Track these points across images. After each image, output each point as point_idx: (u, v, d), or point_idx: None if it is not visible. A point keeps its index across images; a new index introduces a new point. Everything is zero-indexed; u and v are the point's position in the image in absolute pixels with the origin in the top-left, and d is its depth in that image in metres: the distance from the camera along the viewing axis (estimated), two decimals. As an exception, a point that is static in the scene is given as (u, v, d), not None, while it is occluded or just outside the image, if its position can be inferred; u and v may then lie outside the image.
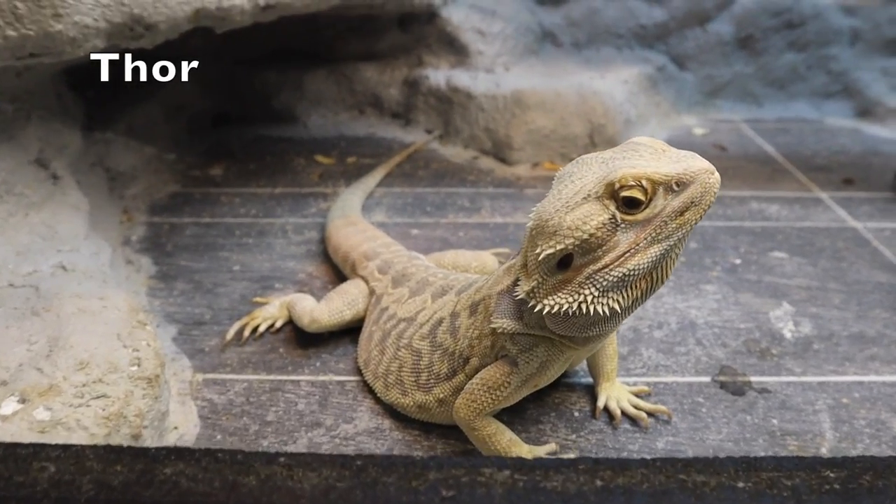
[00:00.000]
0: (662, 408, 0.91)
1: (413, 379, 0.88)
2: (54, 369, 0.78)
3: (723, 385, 0.98)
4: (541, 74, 2.02)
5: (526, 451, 0.80)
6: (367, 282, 1.09)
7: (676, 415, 0.92)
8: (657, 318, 1.13)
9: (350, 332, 1.08)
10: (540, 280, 0.70)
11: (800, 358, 1.04)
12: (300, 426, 0.90)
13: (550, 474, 0.52)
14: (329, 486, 0.51)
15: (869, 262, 1.32)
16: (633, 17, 2.36)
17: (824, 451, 0.86)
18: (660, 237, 0.66)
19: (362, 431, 0.89)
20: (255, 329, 1.08)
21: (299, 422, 0.91)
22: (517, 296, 0.73)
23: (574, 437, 0.89)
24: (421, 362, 0.88)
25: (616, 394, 0.92)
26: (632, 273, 0.66)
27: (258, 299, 1.17)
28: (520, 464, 0.53)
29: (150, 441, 0.79)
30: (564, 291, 0.68)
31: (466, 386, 0.80)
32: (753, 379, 0.99)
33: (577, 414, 0.92)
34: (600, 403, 0.92)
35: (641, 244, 0.66)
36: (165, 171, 1.70)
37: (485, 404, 0.78)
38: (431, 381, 0.86)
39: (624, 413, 0.91)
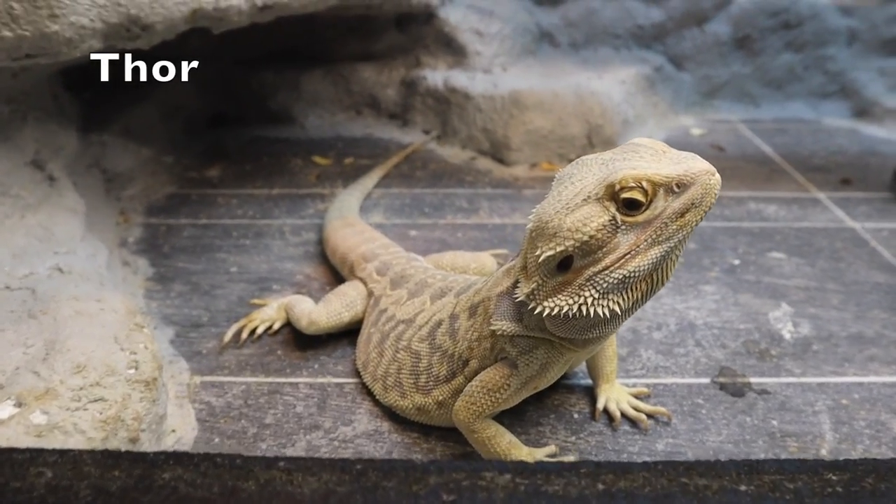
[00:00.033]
0: (662, 409, 0.91)
1: (412, 381, 0.88)
2: (51, 373, 0.78)
3: (722, 386, 0.97)
4: (538, 75, 2.02)
5: (525, 453, 0.80)
6: (365, 283, 1.08)
7: (676, 416, 0.91)
8: (656, 319, 1.13)
9: (348, 333, 1.07)
10: (540, 282, 0.69)
11: (799, 359, 1.03)
12: (299, 429, 0.89)
13: (552, 478, 0.52)
14: (329, 490, 0.51)
15: (867, 263, 1.32)
16: (631, 18, 2.36)
17: (824, 453, 0.86)
18: (660, 239, 0.66)
19: (361, 434, 0.89)
20: (252, 331, 1.08)
21: (298, 424, 0.90)
22: (517, 298, 0.72)
23: (574, 438, 0.88)
24: (420, 364, 0.87)
25: (615, 395, 0.92)
26: (632, 275, 0.66)
27: (256, 301, 1.16)
28: (521, 467, 0.53)
29: (147, 445, 0.79)
30: (564, 293, 0.68)
31: (466, 388, 0.80)
32: (753, 380, 0.99)
33: (576, 416, 0.92)
34: (600, 405, 0.92)
35: (642, 246, 0.66)
36: (162, 173, 1.69)
37: (484, 406, 0.78)
38: (430, 383, 0.86)
39: (623, 415, 0.91)
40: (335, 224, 1.30)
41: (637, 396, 0.93)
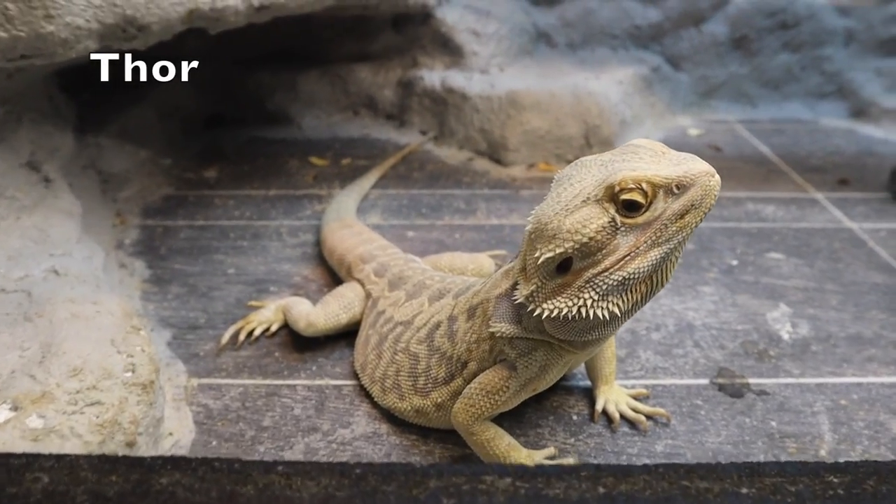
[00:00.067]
0: (661, 410, 0.91)
1: (410, 383, 0.87)
2: (47, 376, 0.77)
3: (721, 387, 0.97)
4: (536, 75, 2.02)
5: (524, 455, 0.79)
6: (363, 285, 1.08)
7: (675, 417, 0.91)
8: (655, 320, 1.13)
9: (346, 335, 1.07)
10: (539, 284, 0.69)
11: (798, 359, 1.03)
12: (297, 431, 0.89)
13: (552, 481, 0.51)
14: (328, 495, 0.50)
15: (865, 263, 1.32)
16: (628, 18, 2.36)
17: (823, 454, 0.85)
18: (660, 240, 0.65)
19: (359, 436, 0.89)
20: (250, 333, 1.07)
21: (296, 427, 0.90)
22: (516, 300, 0.72)
23: (573, 440, 0.88)
24: (418, 366, 0.87)
25: (614, 397, 0.92)
26: (632, 276, 0.66)
27: (253, 303, 1.16)
28: (521, 471, 0.53)
29: (145, 448, 0.78)
30: (564, 295, 0.68)
31: (465, 390, 0.79)
32: (752, 381, 0.99)
33: (575, 417, 0.92)
34: (599, 407, 0.91)
35: (641, 247, 0.65)
36: (158, 174, 1.68)
37: (483, 409, 0.78)
38: (429, 385, 0.85)
39: (622, 416, 0.91)
40: (333, 225, 1.30)
41: (636, 398, 0.93)
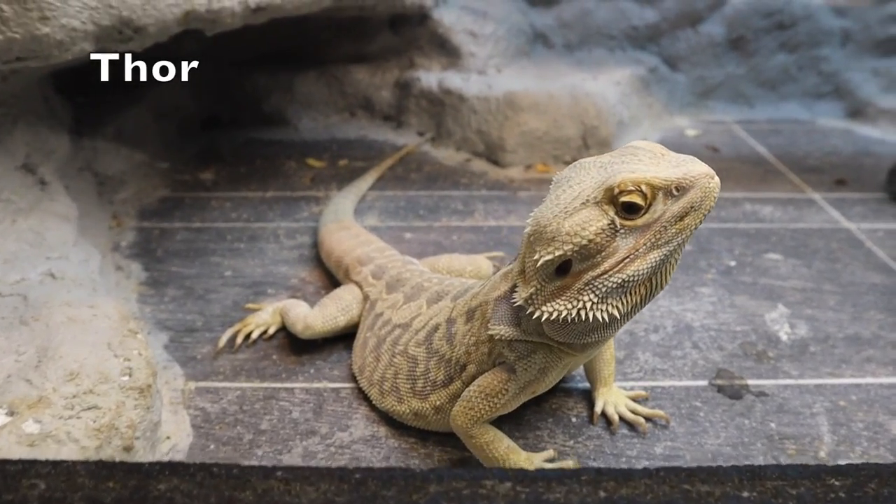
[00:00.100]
0: (660, 412, 0.90)
1: (409, 386, 0.87)
2: (43, 380, 0.77)
3: (720, 389, 0.97)
4: (533, 76, 2.01)
5: (524, 458, 0.79)
6: (361, 287, 1.07)
7: (674, 419, 0.91)
8: (653, 321, 1.13)
9: (344, 338, 1.06)
10: (538, 286, 0.69)
11: (796, 360, 1.03)
12: (295, 435, 0.89)
13: (553, 486, 0.51)
14: (327, 500, 0.50)
15: (863, 264, 1.32)
16: (625, 19, 2.36)
17: (823, 455, 0.85)
18: (659, 242, 0.65)
19: (358, 439, 0.88)
20: (247, 336, 1.07)
21: (294, 430, 0.89)
22: (515, 302, 0.72)
23: (572, 443, 0.88)
24: (417, 369, 0.87)
25: (613, 399, 0.92)
26: (631, 279, 0.66)
27: (250, 305, 1.15)
28: (522, 475, 0.52)
29: (142, 452, 0.78)
30: (563, 298, 0.67)
31: (464, 393, 0.79)
32: (750, 382, 0.99)
33: (574, 419, 0.92)
34: (598, 409, 0.91)
35: (641, 249, 0.65)
36: (155, 176, 1.68)
37: (482, 412, 0.77)
38: (428, 388, 0.85)
39: (621, 418, 0.90)
40: (330, 227, 1.29)
41: (635, 399, 0.93)
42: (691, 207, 0.65)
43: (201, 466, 0.53)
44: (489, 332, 0.76)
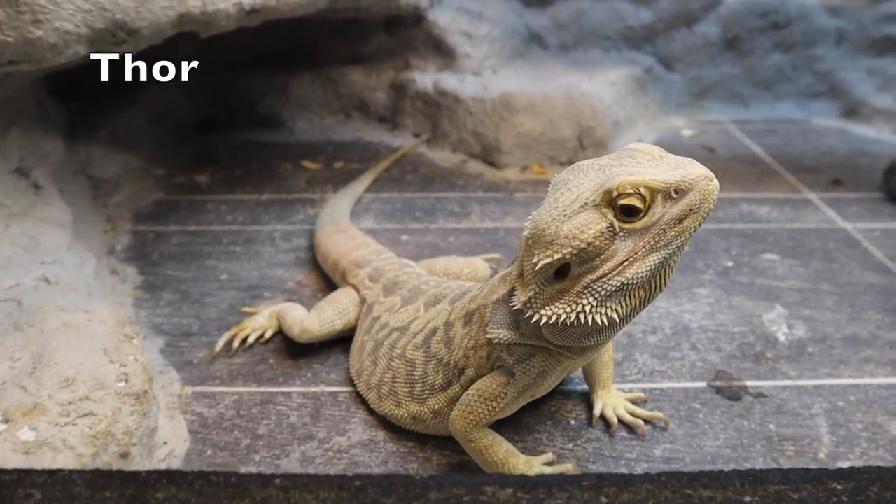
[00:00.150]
0: (659, 414, 0.90)
1: (407, 390, 0.86)
2: (39, 387, 0.76)
3: (719, 390, 0.97)
4: (528, 77, 2.01)
5: (523, 461, 0.79)
6: (357, 290, 1.07)
7: (673, 421, 0.91)
8: (651, 323, 1.12)
9: (341, 341, 1.06)
10: (537, 290, 0.68)
11: (794, 361, 1.03)
12: (292, 439, 0.88)
13: (554, 492, 0.51)
14: (326, 508, 0.49)
15: (860, 264, 1.32)
16: (620, 19, 2.36)
17: (822, 456, 0.85)
18: (658, 245, 0.65)
19: (356, 444, 0.88)
20: (244, 340, 1.06)
21: (291, 435, 0.89)
22: (513, 306, 0.71)
23: (571, 445, 0.87)
24: (415, 373, 0.86)
25: (612, 401, 0.91)
26: (630, 282, 0.65)
27: (247, 309, 1.15)
28: (522, 481, 0.52)
29: (139, 459, 0.77)
30: (562, 301, 0.67)
31: (462, 397, 0.78)
32: (749, 383, 0.98)
33: (573, 422, 0.91)
34: (596, 411, 0.91)
35: (640, 252, 0.65)
36: (150, 179, 1.67)
37: (481, 415, 0.77)
38: (426, 391, 0.85)
39: (620, 420, 0.90)
40: (326, 229, 1.29)
41: (634, 402, 0.93)
42: (690, 210, 0.64)
43: (199, 474, 0.52)
44: (487, 336, 0.76)
